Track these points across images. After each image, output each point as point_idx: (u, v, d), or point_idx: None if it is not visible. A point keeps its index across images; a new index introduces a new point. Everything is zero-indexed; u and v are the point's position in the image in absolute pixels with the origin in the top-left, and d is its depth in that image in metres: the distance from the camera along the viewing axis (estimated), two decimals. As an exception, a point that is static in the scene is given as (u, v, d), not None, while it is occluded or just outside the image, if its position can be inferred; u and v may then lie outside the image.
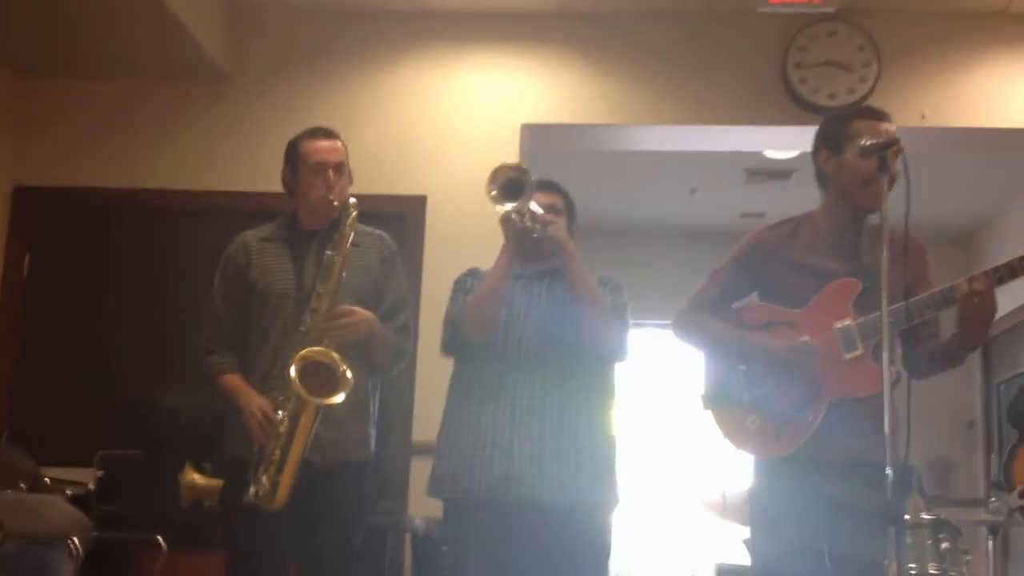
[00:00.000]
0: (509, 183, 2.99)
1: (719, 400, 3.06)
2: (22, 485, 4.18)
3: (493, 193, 2.98)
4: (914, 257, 2.86)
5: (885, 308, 2.59)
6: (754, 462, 3.06)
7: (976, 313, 2.76)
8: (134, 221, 5.33)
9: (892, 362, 2.60)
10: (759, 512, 3.04)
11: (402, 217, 5.13)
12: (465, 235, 4.88)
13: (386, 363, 3.39)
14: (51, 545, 3.34)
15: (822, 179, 3.05)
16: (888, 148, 2.69)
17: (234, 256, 3.39)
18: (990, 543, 4.93)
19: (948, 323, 2.94)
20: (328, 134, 3.40)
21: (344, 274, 3.20)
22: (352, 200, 3.26)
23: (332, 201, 3.26)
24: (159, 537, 3.99)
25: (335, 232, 3.24)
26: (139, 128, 5.37)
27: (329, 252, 3.21)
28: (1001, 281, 2.77)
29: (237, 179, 5.12)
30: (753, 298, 3.15)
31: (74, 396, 5.14)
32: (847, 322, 2.90)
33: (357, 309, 3.21)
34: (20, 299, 5.27)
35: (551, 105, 5.28)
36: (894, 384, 2.61)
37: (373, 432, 3.37)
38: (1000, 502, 4.88)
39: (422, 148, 5.24)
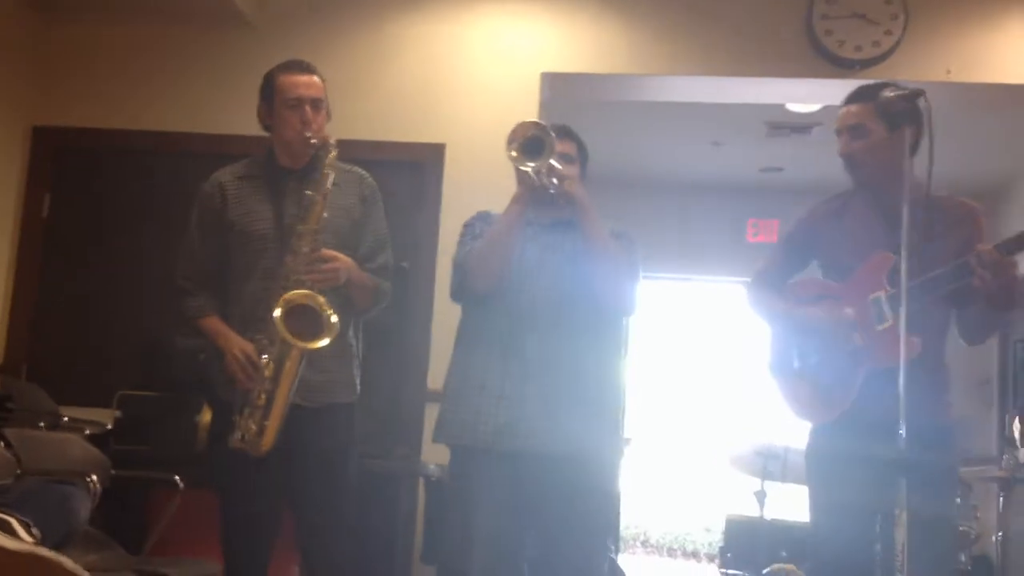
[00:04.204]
0: (530, 141, 2.93)
1: (778, 370, 3.27)
2: (41, 424, 4.23)
3: (513, 153, 2.93)
4: (964, 225, 2.97)
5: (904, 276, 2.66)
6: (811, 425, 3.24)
7: (992, 283, 2.84)
8: (154, 162, 5.33)
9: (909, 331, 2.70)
10: (812, 470, 3.22)
11: (420, 165, 5.13)
12: (483, 183, 4.84)
13: (366, 305, 3.33)
14: (69, 482, 3.38)
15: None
16: (916, 98, 2.71)
17: (209, 196, 3.34)
18: (1000, 499, 4.95)
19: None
20: (305, 68, 3.31)
21: (325, 214, 3.14)
22: (332, 140, 3.18)
23: (309, 138, 3.19)
24: (176, 476, 4.03)
25: (313, 170, 3.17)
26: (160, 72, 5.35)
27: (309, 192, 3.14)
28: (1010, 252, 2.84)
29: (256, 123, 5.09)
30: (813, 269, 3.31)
31: (93, 336, 5.19)
32: (879, 294, 3.00)
33: (338, 255, 3.16)
34: (40, 238, 5.30)
35: (572, 54, 5.24)
36: (913, 354, 2.72)
37: (358, 374, 3.34)
38: (1011, 459, 4.91)
39: (441, 96, 5.22)
